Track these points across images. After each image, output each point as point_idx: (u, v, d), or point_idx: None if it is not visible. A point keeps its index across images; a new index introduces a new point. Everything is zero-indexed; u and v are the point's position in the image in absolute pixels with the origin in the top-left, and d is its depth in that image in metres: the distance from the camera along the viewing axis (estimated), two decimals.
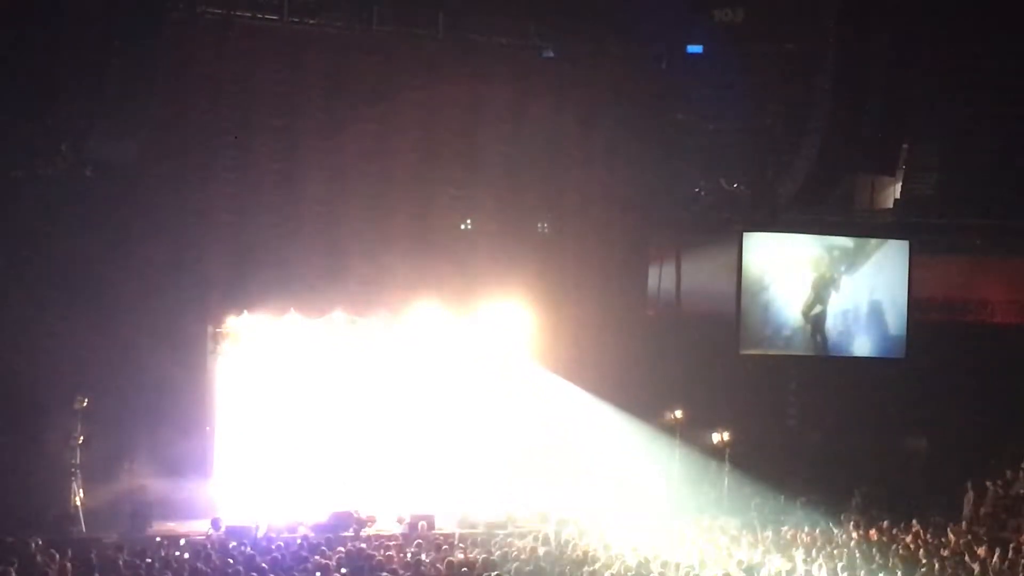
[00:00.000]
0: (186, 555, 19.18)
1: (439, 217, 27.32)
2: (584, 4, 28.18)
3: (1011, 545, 21.62)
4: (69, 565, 18.04)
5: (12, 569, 16.91)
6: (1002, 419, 28.11)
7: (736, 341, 29.48)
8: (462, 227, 27.70)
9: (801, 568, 19.39)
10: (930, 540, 22.22)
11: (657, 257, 30.21)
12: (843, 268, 30.09)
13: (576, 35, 28.13)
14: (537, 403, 27.42)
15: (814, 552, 20.68)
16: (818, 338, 29.95)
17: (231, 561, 18.37)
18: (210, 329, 25.38)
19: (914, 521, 23.39)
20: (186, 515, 23.79)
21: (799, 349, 29.92)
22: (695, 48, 29.36)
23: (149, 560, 18.37)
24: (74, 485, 23.10)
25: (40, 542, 19.10)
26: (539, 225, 28.20)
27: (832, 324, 29.98)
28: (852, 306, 30.17)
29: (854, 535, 22.68)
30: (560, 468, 26.97)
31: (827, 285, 29.95)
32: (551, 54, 27.85)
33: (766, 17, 29.80)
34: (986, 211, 30.97)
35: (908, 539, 22.26)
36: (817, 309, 29.92)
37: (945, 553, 20.96)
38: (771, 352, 29.76)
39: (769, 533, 22.62)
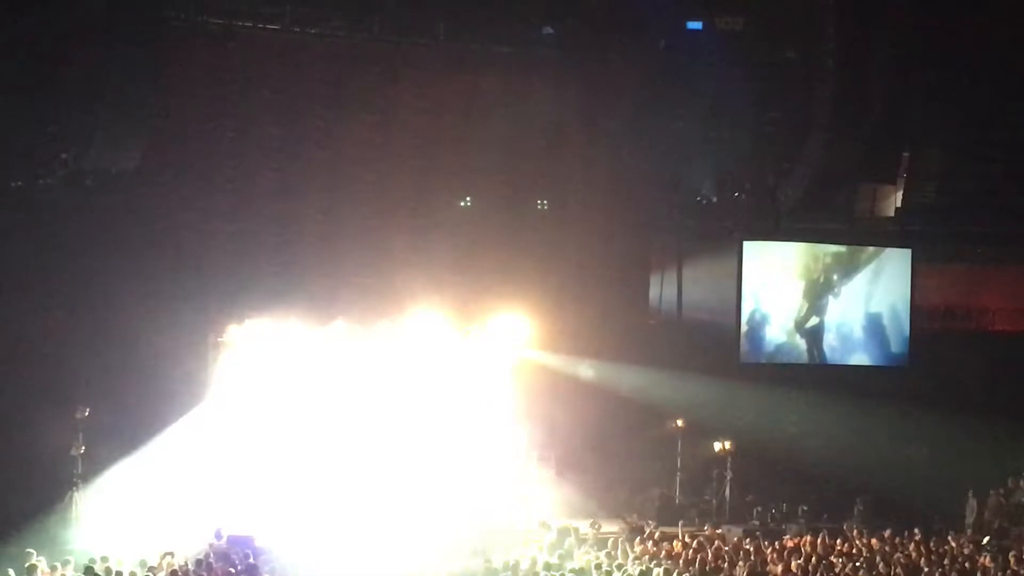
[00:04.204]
0: (189, 565, 19.11)
1: (440, 226, 27.31)
2: (583, 9, 28.24)
3: (1013, 554, 21.61)
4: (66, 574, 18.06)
5: None
6: (1004, 428, 28.07)
7: (736, 350, 29.48)
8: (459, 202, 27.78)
9: None
10: (932, 549, 22.19)
11: (658, 266, 30.23)
12: (839, 277, 30.08)
13: (577, 43, 28.17)
14: (534, 411, 27.40)
15: (814, 560, 20.65)
16: (814, 352, 29.93)
17: (232, 571, 18.35)
18: (211, 338, 25.34)
19: (916, 530, 23.37)
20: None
21: (797, 361, 29.93)
22: (695, 24, 29.27)
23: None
24: (75, 495, 23.06)
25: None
26: (541, 235, 28.20)
27: (828, 339, 29.97)
28: (849, 320, 30.14)
29: (856, 543, 22.66)
30: (557, 477, 26.99)
31: (823, 295, 29.92)
32: (551, 31, 27.86)
33: (767, 25, 29.80)
34: (987, 219, 30.97)
35: (910, 548, 22.23)
36: (813, 322, 29.88)
37: (947, 562, 20.93)
38: (771, 361, 29.79)
39: (771, 541, 22.61)
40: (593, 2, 28.23)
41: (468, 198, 27.88)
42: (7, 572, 17.37)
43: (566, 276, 28.16)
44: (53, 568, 18.25)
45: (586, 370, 27.33)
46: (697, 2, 29.52)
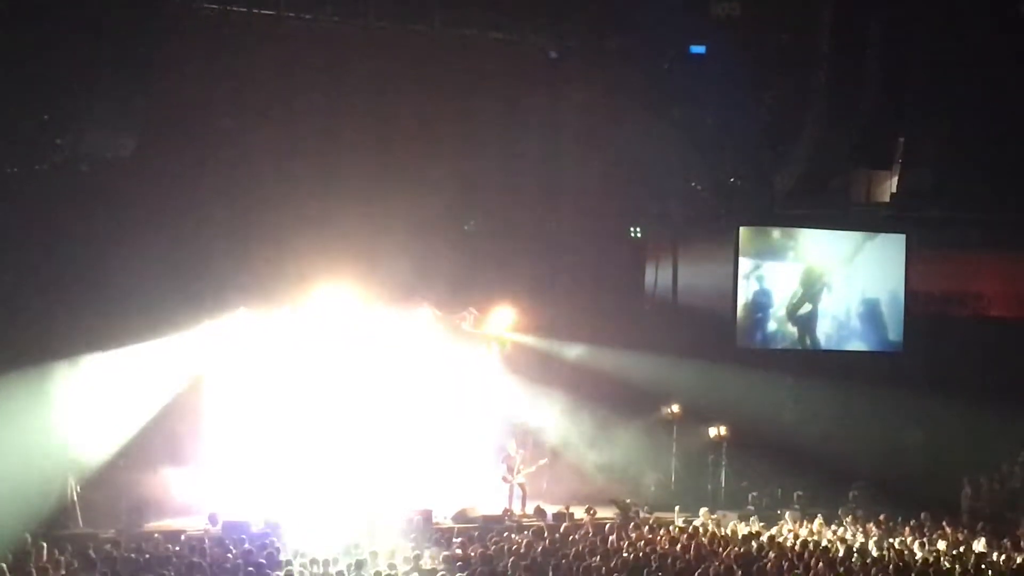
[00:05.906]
0: (183, 550, 19.14)
1: (436, 213, 27.29)
2: (582, 2, 28.21)
3: (1007, 539, 21.67)
4: (62, 559, 18.08)
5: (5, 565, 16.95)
6: (998, 413, 28.11)
7: (732, 335, 29.50)
8: (463, 226, 27.77)
9: None
10: (927, 533, 22.25)
11: (654, 251, 30.22)
12: (835, 264, 30.08)
13: (573, 31, 28.13)
14: (532, 396, 27.42)
15: (811, 547, 20.70)
16: (806, 340, 29.93)
17: (228, 556, 18.38)
18: (206, 324, 25.34)
19: (923, 515, 23.46)
20: (183, 511, 23.78)
21: (791, 347, 29.97)
22: (698, 48, 29.24)
23: (147, 556, 18.37)
24: (70, 481, 23.06)
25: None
26: (535, 220, 28.19)
27: (823, 326, 29.97)
28: (845, 307, 30.13)
29: (851, 529, 22.72)
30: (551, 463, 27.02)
31: (818, 281, 29.90)
32: (555, 55, 27.89)
33: (762, 10, 29.72)
34: (982, 205, 30.94)
35: (905, 533, 22.29)
36: (806, 309, 29.88)
37: (942, 546, 20.99)
38: (767, 347, 29.81)
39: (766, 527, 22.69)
40: (595, 19, 28.20)
41: (464, 184, 27.79)
42: (5, 558, 17.40)
43: (562, 262, 28.16)
44: (51, 554, 18.30)
45: (576, 352, 27.37)
46: None
